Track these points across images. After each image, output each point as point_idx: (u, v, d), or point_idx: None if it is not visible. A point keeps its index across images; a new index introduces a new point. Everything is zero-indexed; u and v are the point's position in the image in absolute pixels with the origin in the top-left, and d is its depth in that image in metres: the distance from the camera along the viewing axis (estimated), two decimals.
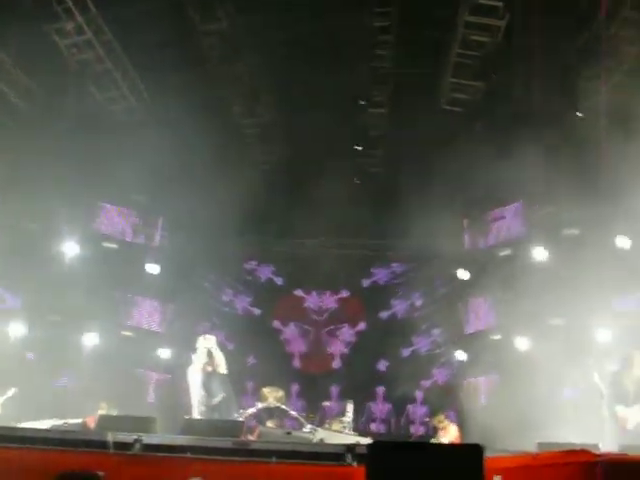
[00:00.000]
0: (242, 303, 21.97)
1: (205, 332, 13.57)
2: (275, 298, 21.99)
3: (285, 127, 19.85)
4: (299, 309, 21.91)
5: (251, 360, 20.75)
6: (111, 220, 20.17)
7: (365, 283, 21.81)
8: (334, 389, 20.64)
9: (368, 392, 20.50)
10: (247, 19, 16.53)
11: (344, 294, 21.84)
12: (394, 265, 21.70)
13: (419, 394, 20.45)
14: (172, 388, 19.69)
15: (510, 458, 7.68)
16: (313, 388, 20.57)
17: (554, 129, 16.25)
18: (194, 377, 12.37)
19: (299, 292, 22.00)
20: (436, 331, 20.82)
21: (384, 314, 21.39)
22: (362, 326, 21.60)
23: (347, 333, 21.65)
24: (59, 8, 15.14)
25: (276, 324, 21.83)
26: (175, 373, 19.75)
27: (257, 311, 21.91)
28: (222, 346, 12.95)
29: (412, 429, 20.32)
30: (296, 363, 21.54)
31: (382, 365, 20.92)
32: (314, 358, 21.58)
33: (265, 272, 22.17)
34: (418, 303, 21.21)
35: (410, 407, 20.56)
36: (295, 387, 20.65)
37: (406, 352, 20.87)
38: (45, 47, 15.94)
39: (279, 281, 22.09)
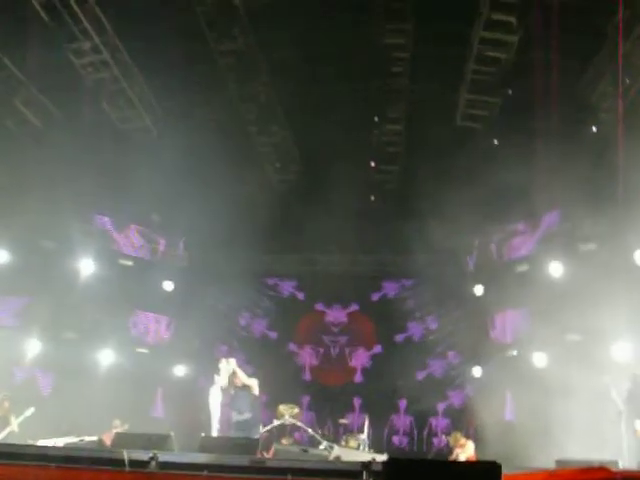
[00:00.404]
0: (259, 327, 22.03)
1: (224, 355, 13.71)
2: (296, 314, 22.10)
3: (300, 145, 19.89)
4: (320, 324, 22.02)
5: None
6: (127, 238, 20.26)
7: (375, 297, 21.92)
8: (356, 401, 20.64)
9: (390, 405, 20.54)
10: (263, 38, 16.58)
11: (355, 308, 21.87)
12: (405, 280, 21.78)
13: (441, 406, 20.47)
14: (188, 405, 19.71)
15: (527, 475, 7.59)
16: (334, 401, 20.70)
17: (570, 144, 16.20)
18: (215, 397, 12.56)
19: (320, 306, 22.06)
20: (451, 353, 20.84)
21: (399, 337, 21.40)
22: (378, 349, 21.61)
23: (362, 355, 21.65)
24: (76, 28, 15.25)
25: (292, 347, 21.89)
26: (191, 390, 19.81)
27: (273, 334, 22.01)
28: (243, 369, 13.13)
29: (435, 441, 20.29)
30: (316, 377, 21.63)
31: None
32: (334, 371, 21.60)
33: (287, 287, 22.32)
34: (433, 326, 21.31)
35: (432, 420, 20.59)
36: (308, 399, 20.71)
37: (420, 375, 20.90)
38: (62, 67, 16.06)
39: (301, 296, 22.25)
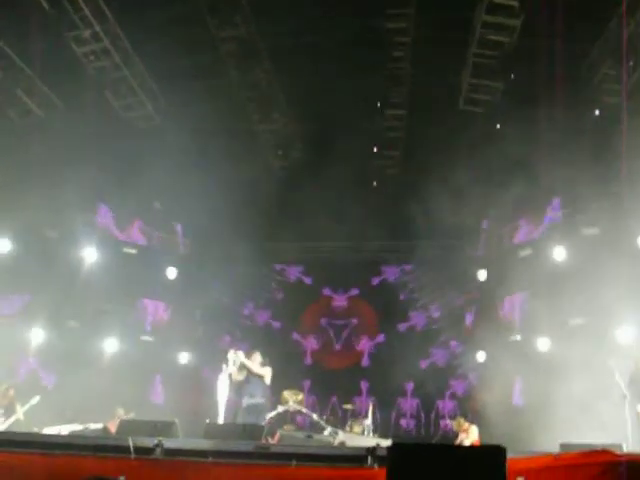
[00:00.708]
0: (262, 317, 22.11)
1: (228, 345, 13.84)
2: (303, 299, 22.19)
3: (301, 131, 19.86)
4: (327, 309, 22.10)
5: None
6: (131, 226, 20.28)
7: (375, 281, 22.01)
8: (363, 385, 20.79)
9: (397, 388, 20.58)
10: (264, 25, 16.55)
11: (355, 292, 21.97)
12: (406, 265, 21.82)
13: (454, 382, 20.68)
14: (192, 393, 19.78)
15: (532, 459, 7.60)
16: (339, 385, 20.74)
17: (573, 128, 16.16)
18: (222, 385, 12.83)
19: (327, 291, 22.16)
20: (454, 342, 20.91)
21: (402, 326, 21.46)
22: (381, 338, 21.69)
23: (367, 344, 21.74)
24: (76, 16, 15.23)
25: (296, 336, 21.97)
26: (195, 378, 19.88)
27: (277, 324, 22.08)
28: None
29: (442, 423, 20.38)
30: (320, 361, 21.75)
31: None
32: (338, 355, 21.72)
33: (294, 272, 22.44)
34: (436, 314, 21.35)
35: (439, 402, 20.66)
36: (309, 384, 20.80)
37: (424, 364, 20.96)
38: (63, 55, 16.04)
39: (308, 281, 22.36)
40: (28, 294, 18.06)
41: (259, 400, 12.58)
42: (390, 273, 22.01)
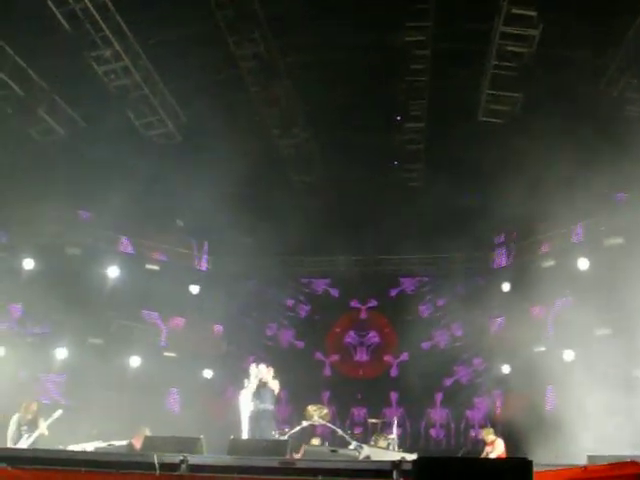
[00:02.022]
0: (286, 337, 22.12)
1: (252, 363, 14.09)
2: (332, 312, 22.18)
3: (322, 146, 19.86)
4: (355, 321, 22.07)
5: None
6: (153, 243, 20.37)
7: (393, 293, 21.94)
8: (392, 396, 20.72)
9: (426, 398, 20.56)
10: (283, 42, 16.61)
11: (374, 304, 21.91)
12: (426, 277, 21.76)
13: (477, 400, 20.47)
14: (215, 408, 19.82)
15: (559, 472, 7.53)
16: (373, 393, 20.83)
17: (595, 137, 16.06)
18: (245, 400, 13.23)
19: (355, 303, 22.14)
20: (477, 360, 20.81)
21: (425, 345, 21.41)
22: (404, 357, 21.63)
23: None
24: (97, 36, 15.34)
25: (318, 355, 21.94)
26: (218, 393, 19.88)
27: (300, 344, 22.08)
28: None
29: (472, 433, 20.27)
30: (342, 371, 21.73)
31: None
32: (363, 365, 21.71)
33: (320, 285, 22.40)
34: (458, 333, 21.30)
35: (468, 412, 20.60)
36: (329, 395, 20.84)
37: (448, 382, 20.96)
38: (84, 75, 16.16)
39: (335, 293, 22.37)
40: (51, 311, 18.13)
41: (268, 406, 13.26)
42: (408, 284, 21.92)
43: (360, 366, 21.86)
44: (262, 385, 13.38)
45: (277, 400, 13.73)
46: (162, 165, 18.23)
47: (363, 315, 22.14)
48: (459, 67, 17.14)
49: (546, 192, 16.06)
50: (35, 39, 15.17)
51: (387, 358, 21.71)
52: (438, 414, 20.72)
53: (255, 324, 21.94)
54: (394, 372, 21.54)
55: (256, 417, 13.10)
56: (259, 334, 21.94)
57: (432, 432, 20.66)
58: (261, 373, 13.47)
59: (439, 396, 20.78)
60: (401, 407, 20.50)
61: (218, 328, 21.21)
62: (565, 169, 15.33)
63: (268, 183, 19.36)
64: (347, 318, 22.30)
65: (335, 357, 22.00)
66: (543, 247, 19.11)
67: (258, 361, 20.01)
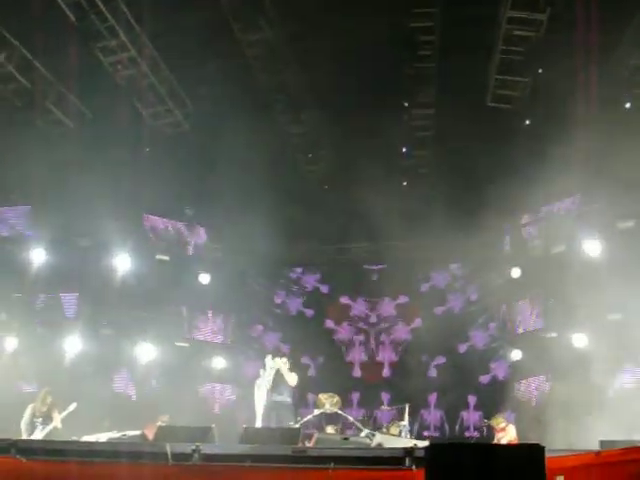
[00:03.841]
0: (295, 305, 22.07)
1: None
2: (322, 304, 22.01)
3: (330, 134, 19.82)
4: (347, 316, 21.95)
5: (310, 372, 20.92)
6: (162, 232, 20.36)
7: (424, 287, 21.67)
8: (385, 396, 20.30)
9: (420, 400, 20.12)
10: (290, 28, 16.56)
11: (402, 299, 21.72)
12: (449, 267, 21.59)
13: (472, 399, 20.20)
14: (229, 398, 19.88)
15: (572, 457, 7.52)
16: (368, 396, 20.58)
17: (604, 120, 15.99)
18: (260, 391, 13.21)
19: (345, 299, 22.00)
20: (492, 325, 20.54)
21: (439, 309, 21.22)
22: (417, 323, 21.42)
23: (402, 330, 21.51)
24: (102, 27, 15.34)
25: (329, 323, 21.85)
26: (231, 383, 19.93)
27: (310, 312, 22.01)
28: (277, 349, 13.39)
29: (467, 434, 20.04)
30: (356, 372, 21.52)
31: (433, 371, 20.78)
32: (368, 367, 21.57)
33: (310, 280, 22.26)
34: (473, 297, 21.05)
35: (464, 413, 20.27)
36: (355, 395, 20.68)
37: (462, 348, 20.70)
38: (91, 66, 16.17)
39: (325, 289, 22.15)
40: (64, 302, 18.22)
41: (285, 398, 13.28)
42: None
43: None
44: (279, 377, 13.34)
45: (293, 392, 13.62)
46: (170, 154, 18.25)
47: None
48: (467, 52, 17.02)
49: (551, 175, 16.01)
50: (41, 31, 15.17)
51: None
52: (432, 416, 20.45)
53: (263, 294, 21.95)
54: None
55: (273, 408, 13.14)
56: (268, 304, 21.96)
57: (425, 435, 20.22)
58: (285, 370, 13.39)
59: (432, 397, 20.50)
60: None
61: (225, 316, 21.18)
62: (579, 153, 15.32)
63: (277, 170, 19.32)
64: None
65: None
66: (553, 231, 18.98)
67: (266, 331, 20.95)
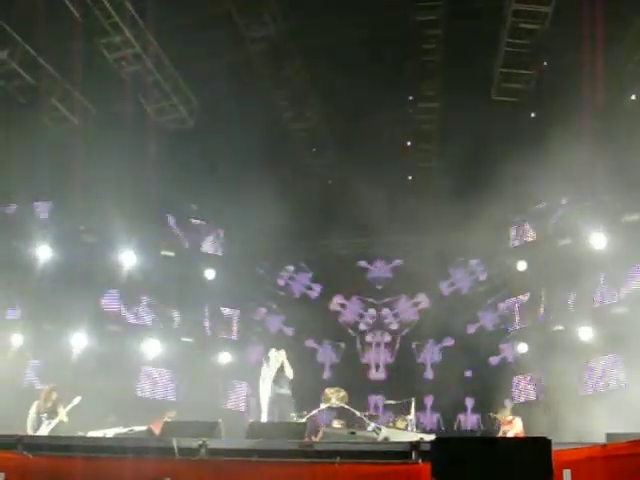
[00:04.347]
0: (298, 286, 22.04)
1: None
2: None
3: (335, 129, 19.79)
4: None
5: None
6: (168, 229, 20.37)
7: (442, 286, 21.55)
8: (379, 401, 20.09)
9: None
10: (293, 24, 16.54)
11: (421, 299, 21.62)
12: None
13: (469, 401, 20.05)
14: (235, 392, 19.91)
15: (578, 450, 7.51)
16: None
17: (609, 113, 15.95)
18: (265, 384, 13.36)
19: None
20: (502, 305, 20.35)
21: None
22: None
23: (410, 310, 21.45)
24: (107, 23, 15.33)
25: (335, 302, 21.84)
26: (237, 378, 19.94)
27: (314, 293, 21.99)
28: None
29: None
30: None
31: (429, 374, 20.75)
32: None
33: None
34: (482, 277, 20.95)
35: (461, 416, 20.09)
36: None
37: (472, 328, 20.58)
38: (96, 62, 16.16)
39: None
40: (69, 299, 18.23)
41: (285, 391, 13.44)
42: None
43: None
44: (280, 370, 13.49)
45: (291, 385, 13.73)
46: (175, 150, 18.25)
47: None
48: (472, 46, 16.98)
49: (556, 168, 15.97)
50: (45, 27, 15.16)
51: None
52: (428, 419, 20.17)
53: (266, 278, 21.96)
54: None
55: (275, 401, 13.23)
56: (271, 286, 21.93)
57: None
58: (286, 362, 13.57)
59: (429, 399, 20.20)
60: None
61: (231, 311, 21.21)
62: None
63: (281, 166, 19.32)
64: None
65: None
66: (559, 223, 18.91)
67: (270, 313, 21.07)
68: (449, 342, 20.68)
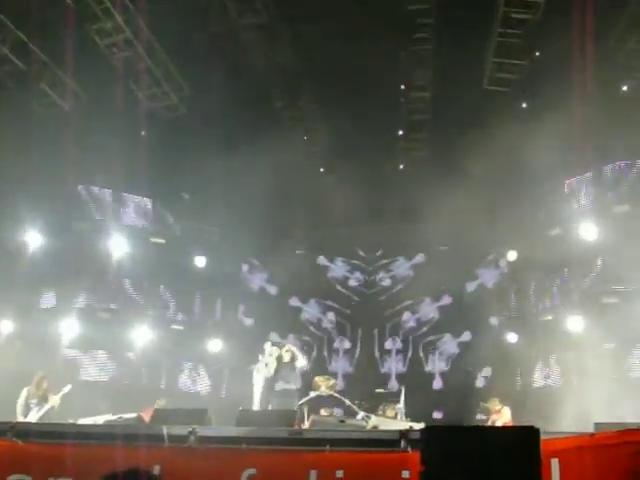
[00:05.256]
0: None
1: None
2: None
3: (327, 117, 19.75)
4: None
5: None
6: (157, 216, 20.35)
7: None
8: None
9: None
10: (285, 11, 16.48)
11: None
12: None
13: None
14: (224, 380, 19.91)
15: (566, 439, 7.54)
16: None
17: (601, 104, 15.97)
18: (259, 375, 13.20)
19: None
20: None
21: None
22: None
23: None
24: (98, 9, 15.26)
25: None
26: (226, 365, 19.96)
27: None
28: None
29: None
30: None
31: (437, 383, 20.83)
32: None
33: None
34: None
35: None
36: None
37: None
38: (86, 48, 16.08)
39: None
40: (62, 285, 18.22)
41: (292, 386, 13.63)
42: None
43: None
44: (286, 365, 13.42)
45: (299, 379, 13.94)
46: (166, 138, 18.20)
47: None
48: (464, 35, 16.96)
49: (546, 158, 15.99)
50: (35, 13, 15.05)
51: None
52: None
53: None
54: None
55: (281, 396, 13.31)
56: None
57: None
58: (299, 355, 13.55)
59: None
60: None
61: (219, 298, 21.23)
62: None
63: (273, 154, 19.28)
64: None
65: None
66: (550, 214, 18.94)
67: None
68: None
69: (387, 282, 21.83)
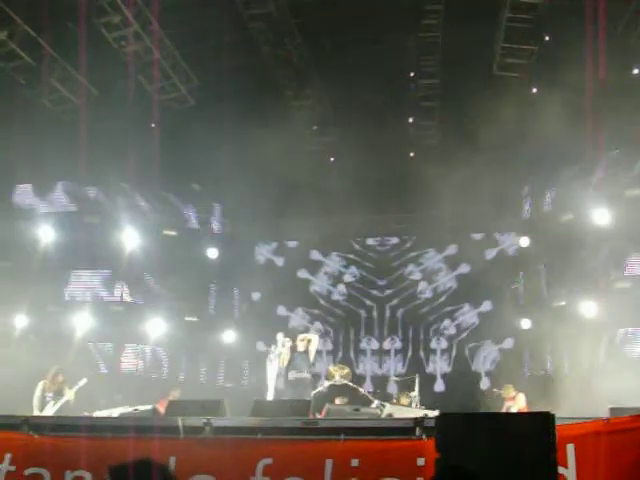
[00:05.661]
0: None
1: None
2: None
3: (336, 106, 19.70)
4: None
5: None
6: (170, 208, 20.37)
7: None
8: None
9: None
10: (293, 0, 16.43)
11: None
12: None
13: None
14: (238, 371, 19.96)
15: (582, 425, 7.52)
16: None
17: (611, 87, 15.86)
18: (271, 365, 13.23)
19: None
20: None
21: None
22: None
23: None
24: (105, 2, 15.27)
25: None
26: (240, 356, 19.99)
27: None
28: None
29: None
30: None
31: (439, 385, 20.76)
32: None
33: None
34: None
35: None
36: None
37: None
38: (95, 42, 16.08)
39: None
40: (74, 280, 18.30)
41: (305, 375, 13.25)
42: None
43: None
44: (298, 353, 13.43)
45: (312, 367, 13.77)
46: (176, 130, 18.21)
47: None
48: (473, 21, 16.87)
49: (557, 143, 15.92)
50: (43, 7, 15.08)
51: None
52: None
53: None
54: None
55: (293, 386, 13.16)
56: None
57: None
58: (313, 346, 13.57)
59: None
60: None
61: (234, 290, 21.23)
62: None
63: (283, 144, 19.25)
64: None
65: None
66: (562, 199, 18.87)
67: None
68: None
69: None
